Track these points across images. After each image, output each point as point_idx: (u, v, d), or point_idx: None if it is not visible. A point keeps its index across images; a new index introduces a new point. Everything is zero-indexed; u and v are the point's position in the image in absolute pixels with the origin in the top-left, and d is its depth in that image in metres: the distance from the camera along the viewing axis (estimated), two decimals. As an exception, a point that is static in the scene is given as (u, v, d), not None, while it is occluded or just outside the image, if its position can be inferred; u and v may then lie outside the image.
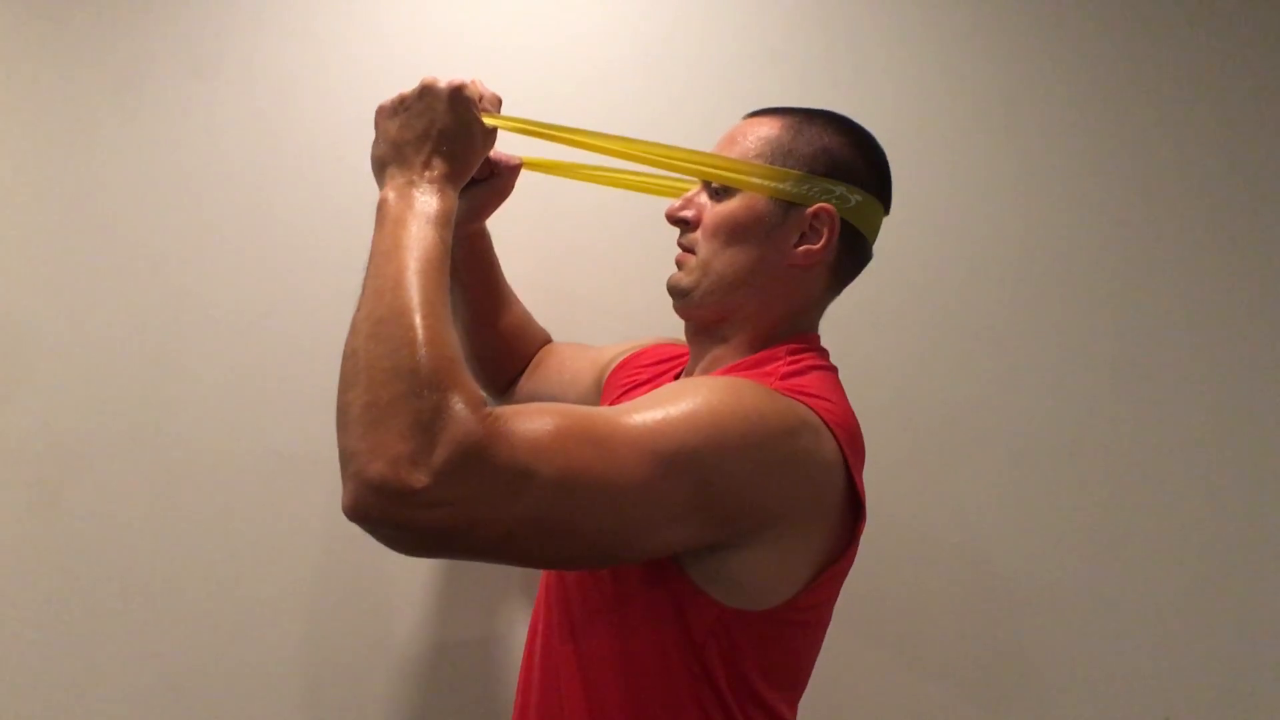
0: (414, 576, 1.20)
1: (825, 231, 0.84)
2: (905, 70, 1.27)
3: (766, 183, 0.84)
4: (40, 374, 1.23)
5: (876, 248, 0.87)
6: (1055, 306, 1.26)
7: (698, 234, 0.88)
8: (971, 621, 1.23)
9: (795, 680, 0.85)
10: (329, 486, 1.16)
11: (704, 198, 0.89)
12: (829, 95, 1.22)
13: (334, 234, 1.24)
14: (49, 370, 1.23)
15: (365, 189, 1.18)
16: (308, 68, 1.25)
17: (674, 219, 0.90)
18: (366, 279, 0.73)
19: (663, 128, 1.23)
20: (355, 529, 0.65)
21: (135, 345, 1.24)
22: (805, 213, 0.84)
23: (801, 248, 0.85)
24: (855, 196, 0.85)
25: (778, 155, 0.86)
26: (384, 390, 0.64)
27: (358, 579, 1.21)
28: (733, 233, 0.85)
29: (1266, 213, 1.27)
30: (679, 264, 0.90)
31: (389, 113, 0.83)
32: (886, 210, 0.91)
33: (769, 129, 0.87)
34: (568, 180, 1.01)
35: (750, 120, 0.90)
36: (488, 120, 0.84)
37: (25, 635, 1.21)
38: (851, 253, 0.88)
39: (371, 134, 0.83)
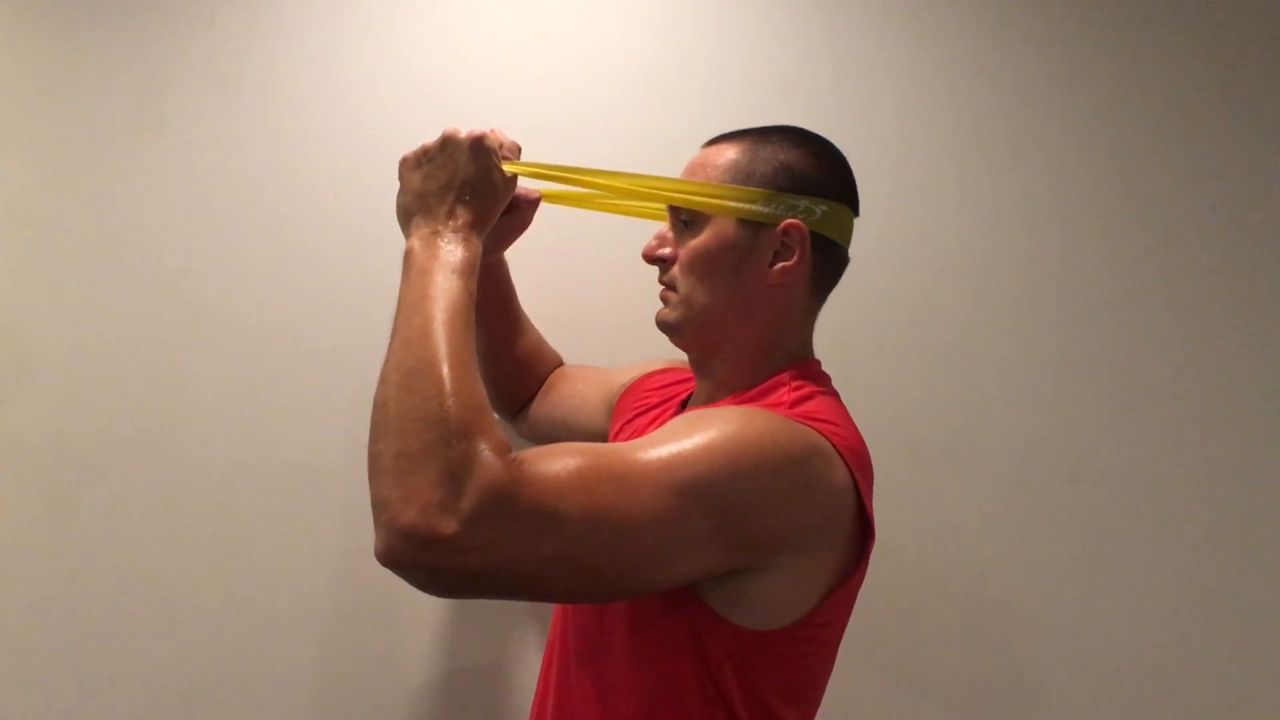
0: (424, 597, 1.18)
1: (797, 247, 0.86)
2: (912, 102, 1.28)
3: (738, 204, 0.85)
4: (54, 382, 1.25)
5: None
6: (1056, 333, 1.27)
7: (675, 270, 0.90)
8: (972, 644, 1.25)
9: (810, 697, 0.87)
10: (340, 500, 1.22)
11: (676, 232, 0.91)
12: (838, 127, 1.23)
13: (349, 249, 1.26)
14: (63, 378, 1.25)
15: (380, 206, 1.19)
16: (325, 86, 1.27)
17: (651, 259, 0.92)
18: (395, 329, 0.74)
19: (675, 159, 1.25)
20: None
21: (150, 355, 1.25)
22: (775, 232, 0.86)
23: (777, 266, 0.86)
24: (821, 207, 0.87)
25: (739, 178, 0.87)
26: (414, 440, 0.66)
27: (367, 592, 1.22)
28: (708, 264, 0.87)
29: (1268, 238, 1.28)
30: (663, 300, 0.92)
31: (412, 164, 0.85)
32: (856, 212, 0.92)
33: (729, 154, 0.89)
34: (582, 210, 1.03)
35: (709, 148, 0.92)
36: (507, 167, 0.86)
37: (36, 641, 1.22)
38: (828, 262, 0.90)
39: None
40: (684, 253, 0.89)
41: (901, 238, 1.27)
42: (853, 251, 0.88)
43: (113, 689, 1.22)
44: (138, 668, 1.22)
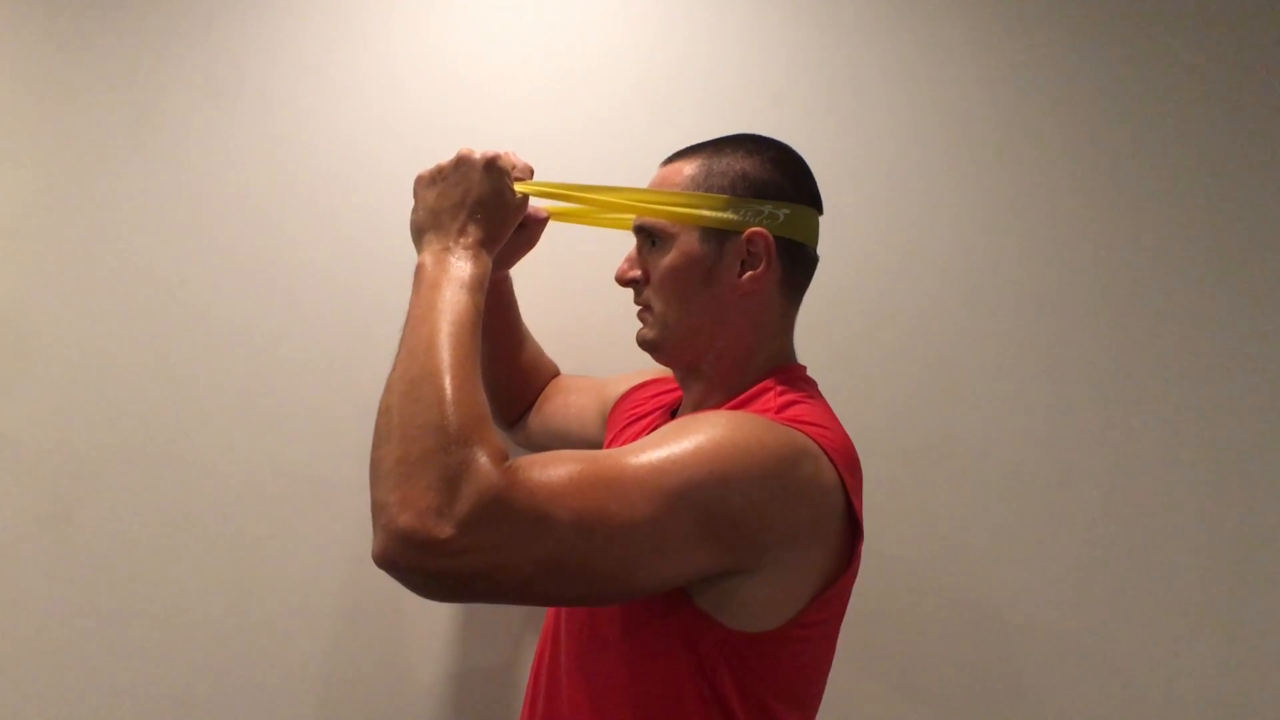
0: (421, 602, 1.18)
1: (764, 255, 0.88)
2: (904, 109, 1.30)
3: (711, 213, 0.87)
4: (55, 391, 1.25)
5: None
6: (1048, 336, 1.28)
7: (649, 290, 0.92)
8: (963, 647, 1.26)
9: (808, 696, 0.88)
10: (339, 508, 1.23)
11: (644, 253, 0.93)
12: (830, 135, 1.28)
13: (346, 259, 1.27)
14: (64, 387, 1.25)
15: (376, 215, 1.26)
16: (322, 97, 1.29)
17: (624, 281, 0.94)
18: (402, 340, 0.77)
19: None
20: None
21: (150, 365, 1.26)
22: (740, 241, 0.87)
23: (746, 275, 0.88)
24: (783, 211, 0.88)
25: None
26: (415, 446, 0.68)
27: (366, 598, 1.23)
28: (678, 281, 0.89)
29: (1260, 238, 1.29)
30: (641, 320, 0.94)
31: (427, 182, 0.87)
32: (820, 210, 0.94)
33: (686, 170, 0.91)
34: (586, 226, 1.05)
35: (666, 167, 0.94)
36: (519, 188, 0.88)
37: (36, 649, 1.23)
38: (796, 264, 0.91)
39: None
40: (655, 272, 0.91)
41: (892, 242, 1.29)
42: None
43: (114, 697, 1.23)
44: (139, 676, 1.23)
